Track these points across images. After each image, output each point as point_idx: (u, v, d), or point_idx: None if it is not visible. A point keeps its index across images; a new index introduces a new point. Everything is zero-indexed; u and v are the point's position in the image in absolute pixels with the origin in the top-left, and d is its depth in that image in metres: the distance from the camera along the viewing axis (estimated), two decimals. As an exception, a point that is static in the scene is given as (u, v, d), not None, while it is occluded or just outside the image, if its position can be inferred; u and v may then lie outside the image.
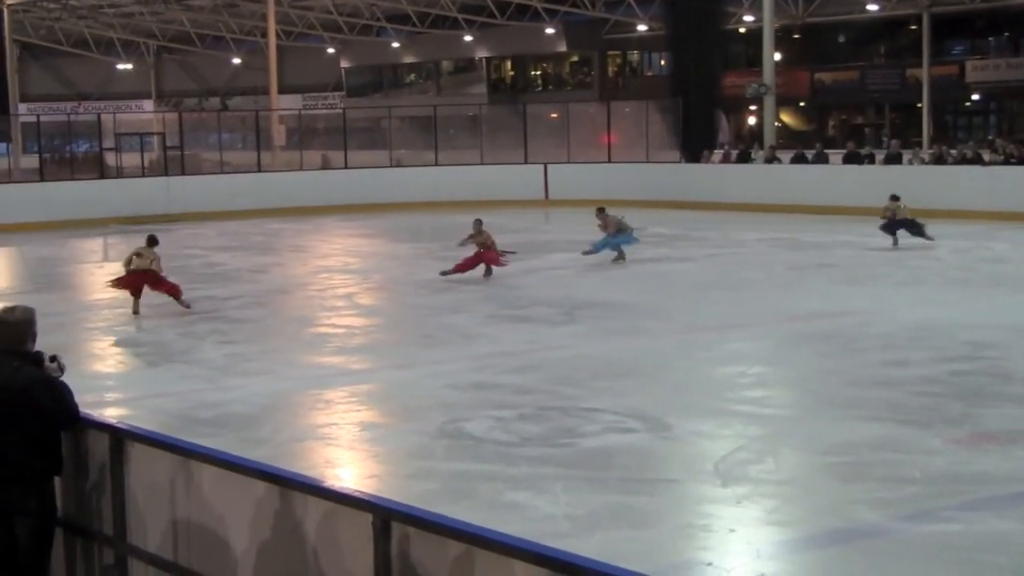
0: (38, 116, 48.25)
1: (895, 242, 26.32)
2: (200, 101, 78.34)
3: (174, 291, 19.79)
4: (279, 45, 56.09)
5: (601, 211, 25.37)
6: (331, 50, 72.34)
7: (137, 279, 19.74)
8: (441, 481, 10.68)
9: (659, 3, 49.21)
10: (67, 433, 7.21)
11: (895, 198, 26.81)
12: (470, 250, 22.93)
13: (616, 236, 24.81)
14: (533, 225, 34.45)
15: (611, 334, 17.43)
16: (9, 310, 7.32)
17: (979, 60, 52.38)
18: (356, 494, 5.76)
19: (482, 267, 22.88)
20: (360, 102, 67.79)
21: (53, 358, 7.30)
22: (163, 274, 19.85)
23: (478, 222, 23.16)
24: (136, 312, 19.61)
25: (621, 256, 24.71)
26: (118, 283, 19.96)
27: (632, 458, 11.19)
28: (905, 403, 12.97)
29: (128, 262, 19.80)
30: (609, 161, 41.00)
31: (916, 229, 26.44)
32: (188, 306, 19.72)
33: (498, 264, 22.97)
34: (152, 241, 20.14)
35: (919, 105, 51.19)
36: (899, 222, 26.54)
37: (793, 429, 12.29)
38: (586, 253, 24.64)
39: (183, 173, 41.06)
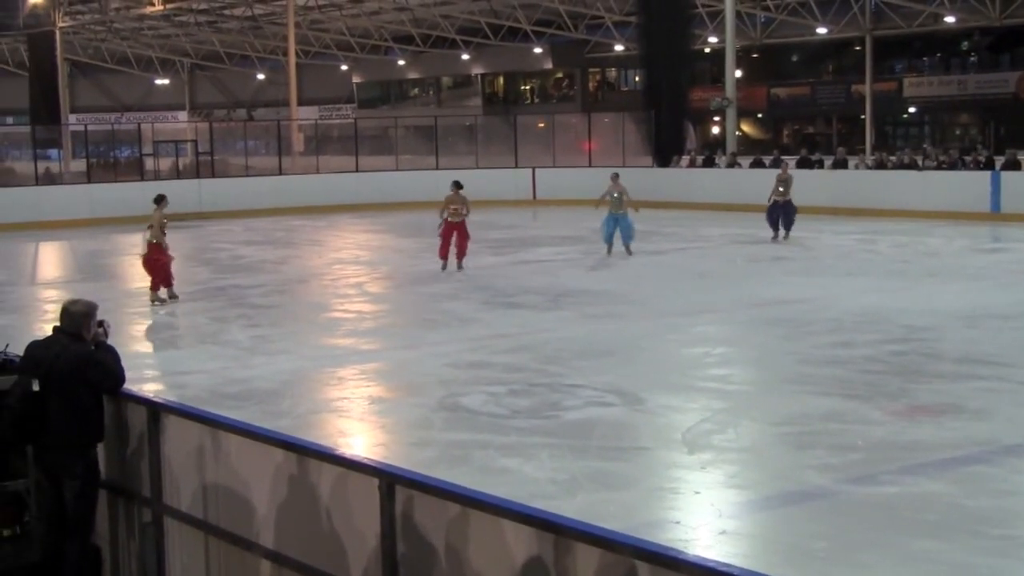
0: (86, 126, 48.17)
1: (776, 235, 26.66)
2: (228, 112, 78.04)
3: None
4: (298, 63, 55.91)
5: (615, 176, 25.41)
6: (344, 67, 72.11)
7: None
8: (440, 449, 10.67)
9: (634, 26, 49.05)
10: (110, 405, 7.21)
11: (783, 180, 27.12)
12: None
13: (615, 215, 24.75)
14: (522, 222, 34.43)
15: (592, 319, 17.41)
16: (73, 302, 7.39)
17: (915, 77, 52.28)
18: (365, 460, 5.74)
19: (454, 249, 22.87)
20: (370, 113, 67.61)
21: (100, 323, 7.32)
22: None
23: (456, 184, 23.11)
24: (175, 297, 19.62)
25: (628, 250, 24.71)
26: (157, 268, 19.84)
27: (609, 428, 11.18)
28: (850, 379, 12.97)
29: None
30: (590, 166, 40.87)
31: (789, 217, 26.78)
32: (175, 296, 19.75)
33: (465, 243, 22.86)
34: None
35: (863, 117, 51.12)
36: (781, 207, 26.85)
37: (752, 403, 12.29)
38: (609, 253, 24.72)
39: (213, 176, 40.89)
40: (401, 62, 68.76)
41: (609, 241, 24.85)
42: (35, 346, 7.26)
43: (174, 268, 19.90)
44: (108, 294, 20.55)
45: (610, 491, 9.36)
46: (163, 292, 19.60)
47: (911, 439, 10.62)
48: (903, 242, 26.50)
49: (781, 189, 27.31)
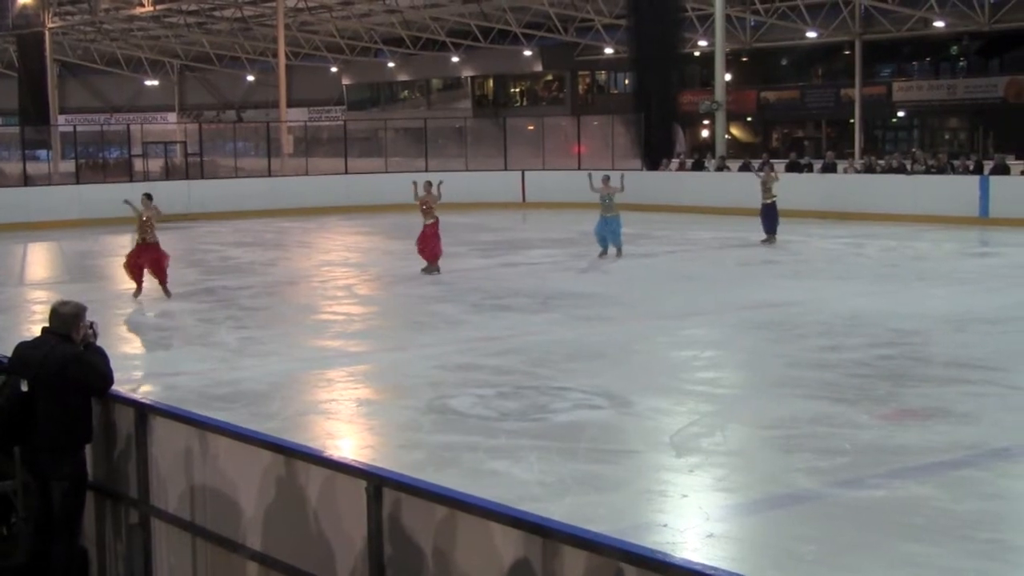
0: (75, 127, 48.12)
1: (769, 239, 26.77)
2: (218, 113, 77.95)
3: (162, 274, 19.96)
4: (288, 64, 55.87)
5: (606, 179, 25.43)
6: (334, 69, 72.09)
7: (140, 257, 19.90)
8: (429, 451, 10.66)
9: (624, 29, 49.10)
10: (97, 406, 7.20)
11: (764, 182, 27.26)
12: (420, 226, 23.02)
13: (606, 217, 24.79)
14: (512, 225, 34.44)
15: (581, 321, 17.41)
16: (62, 303, 7.39)
17: (904, 82, 52.40)
18: (352, 463, 5.74)
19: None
20: (359, 115, 67.59)
21: (90, 324, 7.33)
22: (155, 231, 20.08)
23: (427, 184, 23.12)
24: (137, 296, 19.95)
25: (619, 252, 24.71)
26: (131, 266, 20.22)
27: (598, 431, 11.18)
28: (838, 383, 12.98)
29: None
30: (579, 168, 40.73)
31: (770, 220, 26.91)
32: (169, 295, 19.93)
33: (436, 250, 22.83)
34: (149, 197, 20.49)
35: (852, 121, 51.21)
36: (767, 209, 26.95)
37: (740, 406, 12.30)
38: (601, 255, 24.69)
39: (202, 177, 40.80)
40: (391, 64, 68.75)
41: (604, 244, 24.85)
42: (24, 347, 7.25)
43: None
44: (97, 295, 20.49)
45: (598, 494, 9.36)
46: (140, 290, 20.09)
47: (899, 443, 10.63)
48: (892, 246, 26.54)
49: (771, 189, 27.35)
